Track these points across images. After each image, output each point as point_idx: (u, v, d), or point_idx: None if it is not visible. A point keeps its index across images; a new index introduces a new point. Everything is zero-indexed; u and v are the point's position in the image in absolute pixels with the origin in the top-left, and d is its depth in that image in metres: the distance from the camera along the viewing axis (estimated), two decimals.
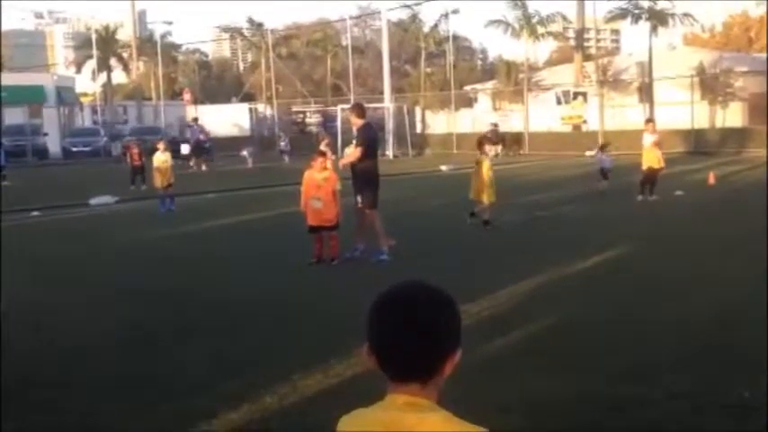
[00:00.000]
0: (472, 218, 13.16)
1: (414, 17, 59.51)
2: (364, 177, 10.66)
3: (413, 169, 29.57)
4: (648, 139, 17.23)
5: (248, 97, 62.14)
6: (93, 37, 57.51)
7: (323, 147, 12.25)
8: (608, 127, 39.37)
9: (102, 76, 59.59)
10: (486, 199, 12.98)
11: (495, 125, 41.56)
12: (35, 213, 18.19)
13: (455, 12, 57.90)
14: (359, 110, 11.12)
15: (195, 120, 38.81)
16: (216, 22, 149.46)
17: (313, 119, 51.50)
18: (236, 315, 7.90)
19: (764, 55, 54.24)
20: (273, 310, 8.07)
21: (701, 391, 5.23)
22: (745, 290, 8.18)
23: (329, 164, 11.02)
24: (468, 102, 55.48)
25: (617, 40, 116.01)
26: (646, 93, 41.05)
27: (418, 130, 48.59)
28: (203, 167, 32.37)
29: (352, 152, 10.84)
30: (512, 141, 41.52)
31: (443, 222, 14.40)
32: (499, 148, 39.45)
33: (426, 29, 60.27)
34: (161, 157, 18.10)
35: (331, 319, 7.33)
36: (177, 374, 5.97)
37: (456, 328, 1.77)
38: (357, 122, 10.82)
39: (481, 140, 13.65)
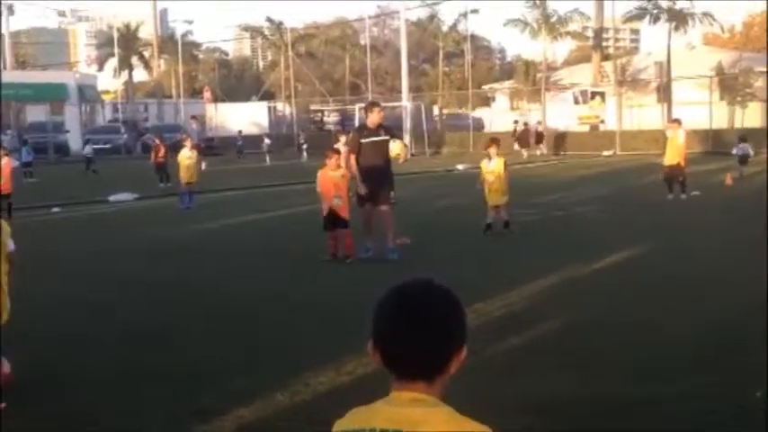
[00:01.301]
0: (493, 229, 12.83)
1: (432, 17, 59.56)
2: (382, 174, 10.66)
3: (430, 168, 29.66)
4: (679, 136, 17.08)
5: (267, 96, 62.40)
6: (115, 35, 58.03)
7: (339, 145, 12.33)
8: (625, 127, 39.25)
9: (124, 74, 60.14)
10: (490, 202, 12.73)
11: (539, 123, 41.16)
12: (56, 210, 18.46)
13: (474, 11, 57.91)
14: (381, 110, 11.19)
15: (194, 117, 38.99)
16: (237, 21, 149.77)
17: (331, 117, 51.69)
18: (249, 312, 7.99)
19: None
20: (287, 306, 8.16)
21: (715, 392, 5.23)
22: (759, 290, 8.20)
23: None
24: (486, 101, 55.47)
25: (636, 40, 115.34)
26: (664, 92, 40.87)
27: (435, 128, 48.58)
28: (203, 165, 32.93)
29: (400, 146, 10.81)
30: (559, 140, 40.64)
31: (458, 221, 14.46)
32: (543, 147, 39.31)
33: (445, 28, 60.28)
34: (187, 154, 18.36)
35: (344, 317, 7.41)
36: (189, 371, 6.02)
37: (461, 326, 1.77)
38: (376, 120, 10.80)
39: (488, 143, 13.54)
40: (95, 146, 34.26)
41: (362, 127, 11.13)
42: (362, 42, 61.57)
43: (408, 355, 1.70)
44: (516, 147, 37.58)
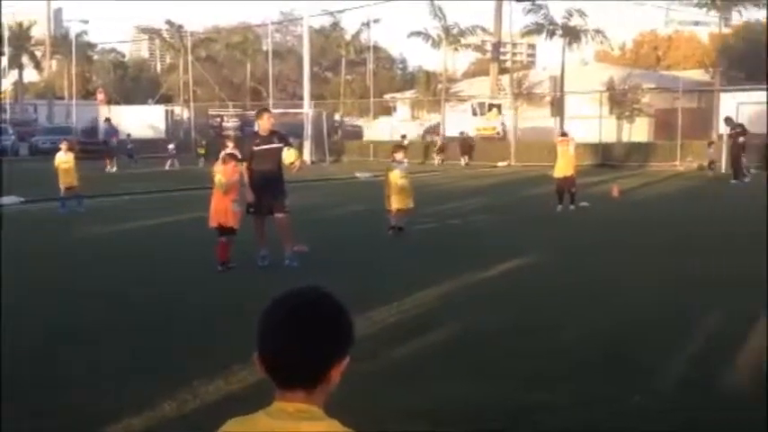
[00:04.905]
0: (393, 231, 13.16)
1: (335, 25, 59.75)
2: (276, 181, 10.57)
3: (329, 175, 29.71)
4: (568, 148, 17.68)
5: (165, 99, 61.13)
6: (6, 33, 55.72)
7: (228, 150, 12.19)
8: (522, 139, 40.29)
9: (13, 74, 57.82)
10: (395, 205, 13.12)
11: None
12: None
13: (376, 21, 58.41)
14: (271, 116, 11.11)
15: (108, 120, 38.25)
16: (135, 23, 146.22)
17: (230, 123, 51.04)
18: (135, 319, 7.81)
19: (671, 72, 56.31)
20: (177, 313, 8.01)
21: (605, 397, 5.41)
22: (647, 298, 8.57)
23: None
24: (388, 110, 55.96)
25: (533, 55, 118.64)
26: (558, 106, 42.19)
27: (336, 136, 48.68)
28: (113, 168, 32.47)
29: (294, 154, 10.70)
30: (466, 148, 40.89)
31: (356, 229, 14.54)
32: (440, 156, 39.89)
33: (348, 37, 60.57)
34: (63, 158, 17.82)
35: (236, 325, 7.32)
36: (74, 379, 5.86)
37: (344, 334, 1.75)
38: (266, 126, 10.71)
39: (394, 149, 13.87)
40: None
41: (255, 134, 10.92)
42: (265, 48, 61.12)
43: (288, 365, 1.69)
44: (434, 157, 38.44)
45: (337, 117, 52.89)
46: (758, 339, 6.63)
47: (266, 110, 11.53)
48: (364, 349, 6.63)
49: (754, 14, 46.20)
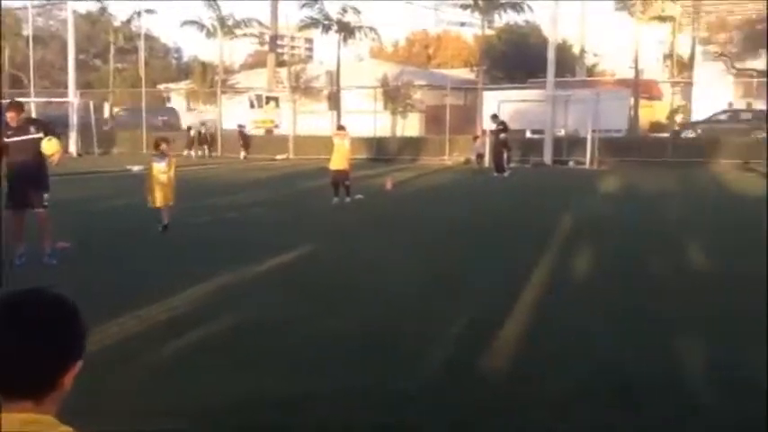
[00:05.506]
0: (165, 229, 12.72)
1: (103, 10, 56.89)
2: (34, 175, 9.85)
3: (99, 168, 28.28)
4: (343, 142, 17.99)
5: None
6: None
7: None
8: (299, 132, 40.57)
9: None
10: (158, 202, 12.70)
11: (203, 124, 40.57)
12: None
13: (150, 11, 56.34)
14: (19, 108, 10.26)
15: None
16: None
17: None
18: None
19: (440, 70, 59.22)
20: None
21: (368, 384, 5.53)
22: (413, 286, 8.90)
23: None
24: (162, 101, 54.22)
25: (311, 49, 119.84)
26: (334, 101, 42.93)
27: (107, 127, 46.40)
28: None
29: (55, 145, 9.89)
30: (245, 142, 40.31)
31: (126, 224, 13.94)
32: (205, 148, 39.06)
33: (117, 23, 57.90)
34: None
35: None
36: None
37: (75, 338, 1.65)
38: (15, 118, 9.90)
39: (157, 141, 13.41)
40: None
41: (7, 125, 10.00)
42: (25, 33, 56.91)
43: (11, 373, 1.57)
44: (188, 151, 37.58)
45: (107, 107, 50.42)
46: None
47: (15, 102, 10.60)
48: (132, 348, 6.40)
49: (514, 18, 49.67)
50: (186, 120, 45.17)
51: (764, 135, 31.01)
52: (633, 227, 13.91)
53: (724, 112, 37.22)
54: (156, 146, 13.08)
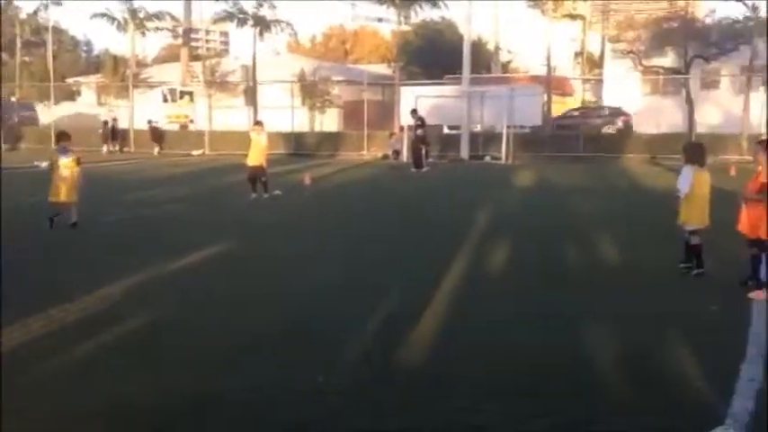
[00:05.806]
0: (53, 224, 12.55)
1: (8, 2, 54.80)
2: None
3: (5, 164, 27.25)
4: (261, 138, 17.82)
5: None
6: None
7: None
8: (215, 127, 40.00)
9: None
10: (62, 196, 12.62)
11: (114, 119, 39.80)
12: None
13: (57, 3, 54.55)
14: None
15: None
16: None
17: None
18: None
19: (357, 66, 59.26)
20: None
21: (285, 381, 5.50)
22: (331, 282, 8.90)
23: None
24: (71, 95, 52.67)
25: (226, 43, 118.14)
26: (251, 96, 42.45)
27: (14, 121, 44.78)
28: None
29: None
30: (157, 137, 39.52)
31: (35, 222, 13.48)
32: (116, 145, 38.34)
33: (24, 15, 55.92)
34: None
35: None
36: None
37: None
38: None
39: (59, 136, 13.23)
40: None
41: None
42: None
43: None
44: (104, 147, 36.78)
45: (14, 100, 48.61)
46: None
47: None
48: (43, 348, 6.20)
49: (430, 13, 50.11)
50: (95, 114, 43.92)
51: (613, 130, 36.43)
52: (548, 220, 14.22)
53: (577, 109, 42.42)
54: (58, 140, 12.93)
